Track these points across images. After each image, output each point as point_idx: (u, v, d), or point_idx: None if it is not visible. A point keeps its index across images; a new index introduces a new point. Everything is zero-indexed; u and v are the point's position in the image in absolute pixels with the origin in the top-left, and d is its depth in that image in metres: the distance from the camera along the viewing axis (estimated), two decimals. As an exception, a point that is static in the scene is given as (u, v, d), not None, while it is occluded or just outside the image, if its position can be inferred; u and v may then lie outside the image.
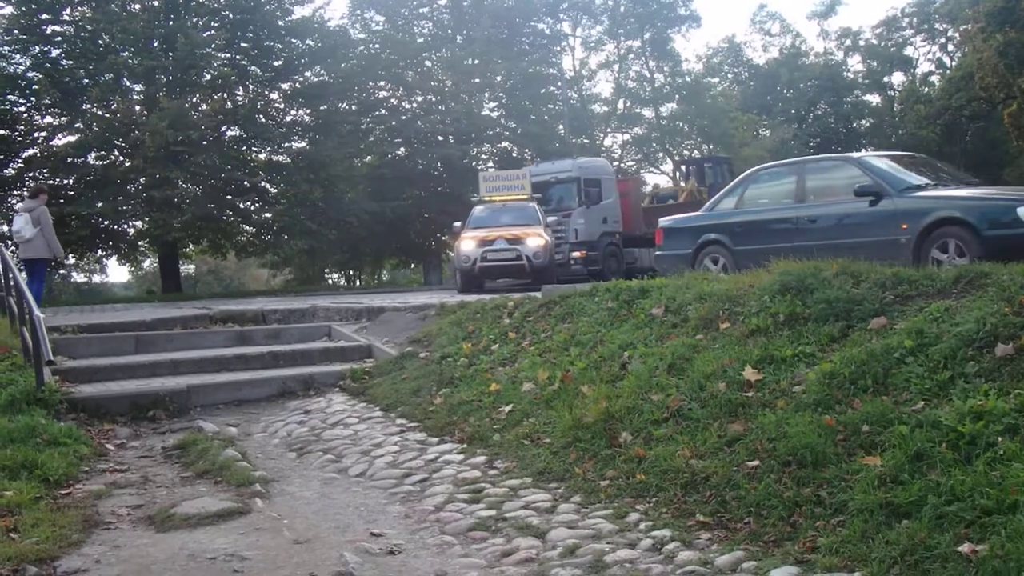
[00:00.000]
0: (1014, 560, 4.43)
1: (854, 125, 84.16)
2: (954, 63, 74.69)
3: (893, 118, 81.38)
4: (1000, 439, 5.33)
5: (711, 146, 61.82)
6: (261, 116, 37.68)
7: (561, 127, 52.36)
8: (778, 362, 7.54)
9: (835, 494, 5.59)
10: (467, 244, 22.99)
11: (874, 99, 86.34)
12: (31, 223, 17.28)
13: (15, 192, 33.89)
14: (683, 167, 45.64)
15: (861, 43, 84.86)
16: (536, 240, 22.73)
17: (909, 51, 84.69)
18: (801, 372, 7.22)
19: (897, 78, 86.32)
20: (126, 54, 34.18)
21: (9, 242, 21.26)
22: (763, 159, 58.38)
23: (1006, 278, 7.30)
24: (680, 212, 36.28)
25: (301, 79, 39.61)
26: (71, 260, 41.05)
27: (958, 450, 5.40)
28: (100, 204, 33.19)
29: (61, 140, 34.72)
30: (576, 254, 30.27)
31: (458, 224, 25.99)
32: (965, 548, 4.66)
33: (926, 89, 78.64)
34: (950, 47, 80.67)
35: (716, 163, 43.22)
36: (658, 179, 65.39)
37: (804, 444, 6.07)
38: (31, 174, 34.31)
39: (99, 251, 38.87)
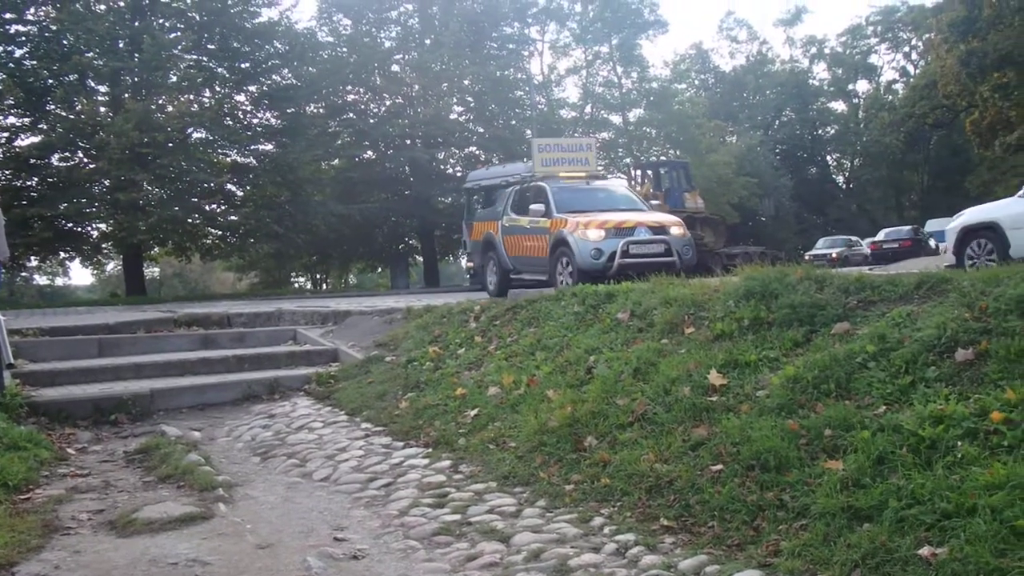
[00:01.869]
0: (973, 563, 4.47)
1: (819, 132, 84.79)
2: (917, 71, 75.34)
3: (858, 125, 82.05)
4: (960, 443, 5.37)
5: (678, 152, 62.03)
6: (228, 118, 37.53)
7: (529, 132, 52.41)
8: (742, 367, 7.57)
9: (798, 498, 5.61)
10: (592, 232, 17.19)
11: (839, 106, 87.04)
12: None
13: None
14: (638, 171, 45.39)
15: (827, 51, 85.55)
16: (679, 229, 18.27)
17: (874, 59, 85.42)
18: (765, 377, 7.26)
19: (862, 86, 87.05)
20: (91, 55, 33.88)
21: None
22: (729, 165, 58.77)
23: (967, 284, 7.35)
24: None
25: (268, 81, 39.42)
26: (33, 262, 40.75)
27: (919, 454, 5.44)
28: (64, 206, 32.88)
29: (24, 141, 34.43)
30: None
31: (484, 210, 23.50)
32: (925, 551, 4.69)
33: (890, 97, 79.33)
34: (914, 55, 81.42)
35: (672, 167, 43.02)
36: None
37: (767, 448, 6.09)
38: (-6, 175, 34.01)
39: (62, 253, 38.55)
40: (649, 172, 42.77)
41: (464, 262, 33.36)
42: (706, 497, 6.04)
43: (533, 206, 18.98)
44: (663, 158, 54.43)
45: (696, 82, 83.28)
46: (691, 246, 18.56)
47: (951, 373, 6.20)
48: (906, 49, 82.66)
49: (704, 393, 7.35)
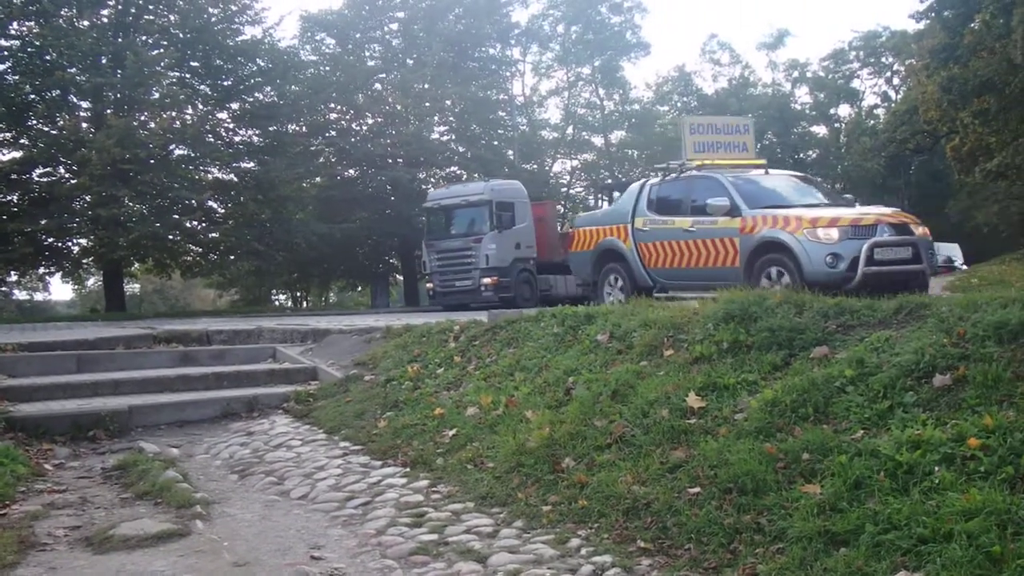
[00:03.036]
0: (949, 588, 4.49)
1: (801, 156, 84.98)
2: (899, 96, 75.75)
3: (839, 150, 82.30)
4: (937, 468, 5.39)
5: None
6: (210, 136, 37.46)
7: (511, 152, 52.53)
8: (721, 389, 7.58)
9: (775, 521, 5.62)
10: (825, 231, 13.66)
11: (821, 131, 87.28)
12: None
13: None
14: (603, 191, 45.13)
15: (809, 75, 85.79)
16: (921, 229, 14.50)
17: (856, 83, 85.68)
18: (743, 400, 7.27)
19: (844, 110, 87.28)
20: (74, 70, 33.87)
21: None
22: (711, 188, 58.85)
23: (945, 310, 7.38)
24: None
25: (251, 99, 39.42)
26: (13, 277, 40.57)
27: (896, 479, 5.46)
28: (44, 221, 32.77)
29: (5, 156, 34.38)
30: (487, 280, 30.00)
31: (589, 214, 20.73)
32: (901, 576, 4.71)
33: (872, 122, 79.66)
34: (895, 81, 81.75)
35: None
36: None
37: (745, 471, 6.10)
38: (-25, 190, 33.89)
39: (42, 268, 38.44)
40: (616, 192, 42.55)
41: (428, 284, 33.24)
42: (683, 519, 6.04)
43: (714, 201, 15.18)
44: (624, 179, 54.33)
45: (679, 104, 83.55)
46: (934, 251, 15.51)
47: (929, 398, 6.22)
48: (888, 74, 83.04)
49: (682, 415, 7.36)
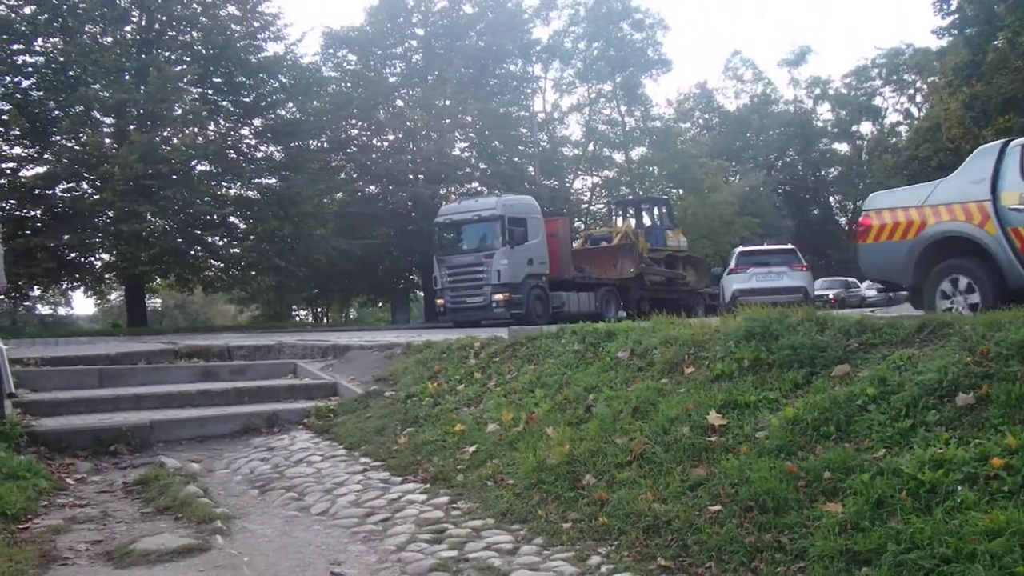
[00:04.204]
0: (972, 609, 4.46)
1: (822, 173, 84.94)
2: (922, 114, 75.64)
3: (861, 167, 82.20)
4: (960, 488, 5.35)
5: (680, 191, 62.13)
6: (232, 151, 37.72)
7: (531, 168, 52.58)
8: (742, 407, 7.55)
9: (796, 540, 5.59)
10: None
11: (842, 148, 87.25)
12: None
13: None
14: (618, 207, 45.00)
15: (831, 92, 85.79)
16: None
17: (878, 101, 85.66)
18: (764, 418, 7.23)
19: (866, 127, 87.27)
20: (97, 86, 34.08)
21: None
22: (731, 205, 58.88)
23: (968, 328, 7.35)
24: (614, 255, 35.84)
25: (272, 115, 39.64)
26: (36, 292, 40.79)
27: (918, 498, 5.42)
28: (67, 236, 33.00)
29: (29, 171, 34.64)
30: (498, 296, 29.70)
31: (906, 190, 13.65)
32: (924, 596, 4.69)
33: (894, 139, 79.58)
34: (918, 98, 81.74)
35: (653, 204, 42.73)
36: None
37: (766, 489, 6.07)
38: (-2, 205, 34.10)
39: (65, 283, 38.70)
40: (631, 209, 42.47)
41: (438, 300, 32.90)
42: (704, 537, 6.01)
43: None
44: (642, 194, 54.23)
45: (700, 121, 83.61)
46: None
47: (951, 417, 6.18)
48: (910, 91, 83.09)
49: (703, 433, 7.33)
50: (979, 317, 7.83)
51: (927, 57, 68.71)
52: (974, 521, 5.01)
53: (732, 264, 29.53)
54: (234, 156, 37.75)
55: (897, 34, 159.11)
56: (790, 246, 32.27)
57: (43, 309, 62.11)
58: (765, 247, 35.34)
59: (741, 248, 32.59)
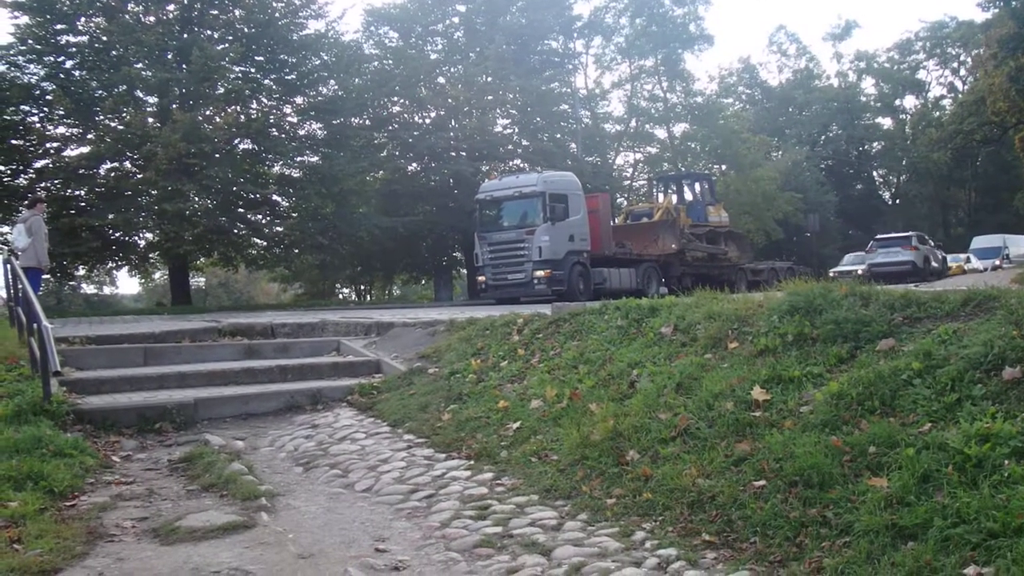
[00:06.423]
0: (1019, 584, 4.42)
1: (866, 148, 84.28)
2: (966, 87, 74.96)
3: (904, 141, 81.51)
4: (1006, 462, 5.31)
5: (723, 166, 61.82)
6: (274, 130, 37.78)
7: (573, 145, 52.43)
8: (786, 382, 7.51)
9: (841, 515, 5.56)
10: None
11: (886, 122, 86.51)
12: (25, 233, 17.33)
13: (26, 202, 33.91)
14: (659, 183, 44.69)
15: (875, 66, 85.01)
16: None
17: (922, 75, 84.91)
18: (809, 393, 7.19)
19: (909, 101, 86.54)
20: (140, 66, 34.29)
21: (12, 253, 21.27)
22: (774, 181, 58.53)
23: (1014, 302, 7.27)
24: (655, 231, 35.96)
25: (314, 93, 39.72)
26: (81, 271, 41.12)
27: (964, 473, 5.38)
28: (112, 216, 33.29)
29: (74, 151, 34.85)
30: (540, 273, 29.62)
31: None
32: (971, 571, 4.64)
33: (938, 113, 78.90)
34: (962, 71, 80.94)
35: (695, 179, 42.52)
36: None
37: (811, 465, 6.04)
38: (43, 184, 34.38)
39: (110, 262, 38.97)
40: (672, 184, 42.27)
41: (479, 277, 32.77)
42: (748, 513, 5.99)
43: None
44: (684, 170, 53.89)
45: (743, 96, 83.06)
46: None
47: (998, 391, 6.12)
48: (954, 65, 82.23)
49: (747, 408, 7.31)
50: (1026, 291, 7.76)
51: (971, 30, 67.92)
52: (1021, 495, 4.96)
53: (868, 248, 43.44)
54: (276, 134, 37.82)
55: (941, 7, 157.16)
56: (907, 233, 44.17)
57: (88, 288, 62.71)
58: (890, 235, 44.79)
59: (876, 237, 45.17)
